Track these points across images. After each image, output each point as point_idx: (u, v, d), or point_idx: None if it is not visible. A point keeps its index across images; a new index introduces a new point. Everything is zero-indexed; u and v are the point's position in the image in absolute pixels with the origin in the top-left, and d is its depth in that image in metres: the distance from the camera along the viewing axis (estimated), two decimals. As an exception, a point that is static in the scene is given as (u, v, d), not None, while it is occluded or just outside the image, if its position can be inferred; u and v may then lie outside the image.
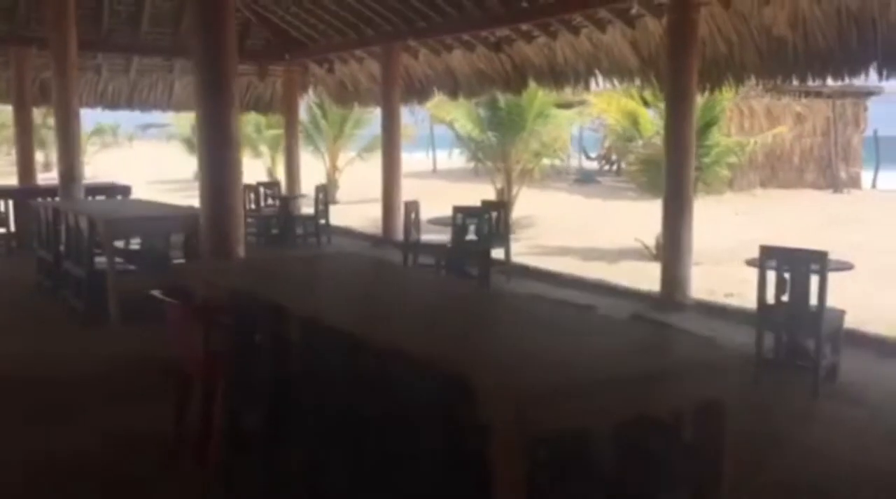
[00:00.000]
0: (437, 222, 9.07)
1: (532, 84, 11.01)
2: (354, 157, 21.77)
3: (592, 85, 10.33)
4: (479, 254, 8.79)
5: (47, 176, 15.19)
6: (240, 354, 3.56)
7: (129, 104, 14.48)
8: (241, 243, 5.36)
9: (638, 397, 2.41)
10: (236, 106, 5.38)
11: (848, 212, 16.91)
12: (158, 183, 29.08)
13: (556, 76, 10.49)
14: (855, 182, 21.84)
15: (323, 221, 12.44)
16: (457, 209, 8.59)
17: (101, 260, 6.97)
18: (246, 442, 3.57)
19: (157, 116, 29.91)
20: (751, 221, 15.53)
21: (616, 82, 9.91)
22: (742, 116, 19.92)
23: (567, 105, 15.27)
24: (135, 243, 8.23)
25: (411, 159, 35.84)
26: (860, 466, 4.35)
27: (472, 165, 15.55)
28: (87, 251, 6.92)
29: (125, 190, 11.38)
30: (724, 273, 9.84)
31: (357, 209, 17.36)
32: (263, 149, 24.38)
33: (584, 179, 22.06)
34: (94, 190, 10.77)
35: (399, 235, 10.71)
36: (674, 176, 7.77)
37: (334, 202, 20.98)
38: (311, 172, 22.29)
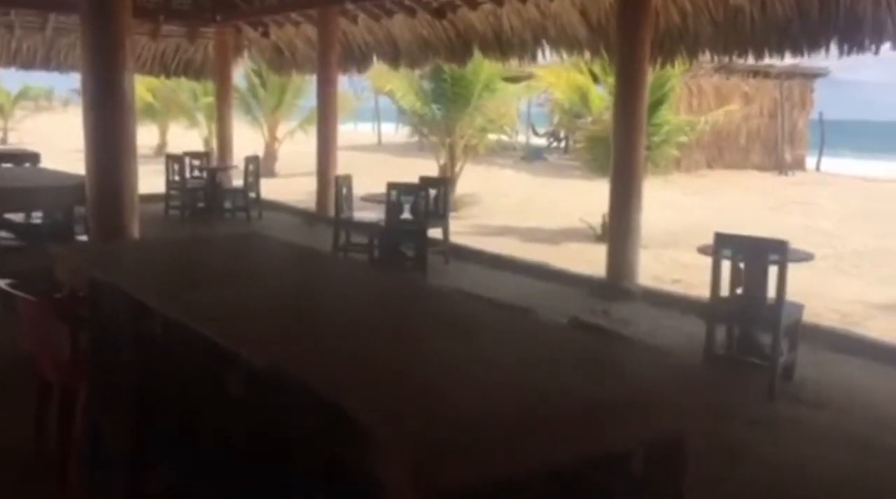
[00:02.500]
0: (371, 199, 8.44)
1: (477, 54, 10.40)
2: (295, 127, 20.89)
3: (540, 57, 9.79)
4: (414, 234, 8.22)
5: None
6: (100, 359, 2.92)
7: (46, 65, 13.41)
8: (135, 221, 4.67)
9: (579, 436, 1.87)
10: (131, 67, 4.65)
11: (794, 194, 16.78)
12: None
13: (502, 46, 9.90)
14: (799, 164, 21.84)
15: (253, 195, 11.69)
16: (391, 186, 7.98)
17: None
18: (108, 461, 2.96)
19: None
20: (698, 203, 15.25)
21: (564, 54, 9.37)
22: (691, 95, 19.65)
23: (515, 79, 14.68)
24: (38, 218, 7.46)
25: (356, 132, 35.13)
26: (826, 478, 3.93)
27: (415, 138, 14.85)
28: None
29: (34, 157, 10.46)
30: (671, 257, 9.45)
31: (296, 183, 16.57)
32: (200, 118, 23.28)
33: (531, 157, 21.59)
34: (-2, 157, 9.85)
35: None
36: (623, 155, 7.27)
37: (273, 175, 20.16)
38: (249, 143, 21.43)
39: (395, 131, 27.91)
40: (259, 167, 11.78)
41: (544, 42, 9.42)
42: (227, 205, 11.62)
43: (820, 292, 7.58)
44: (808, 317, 6.48)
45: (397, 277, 3.69)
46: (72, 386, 3.12)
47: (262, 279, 3.08)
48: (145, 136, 29.30)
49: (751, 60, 7.73)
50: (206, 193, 11.57)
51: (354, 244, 8.59)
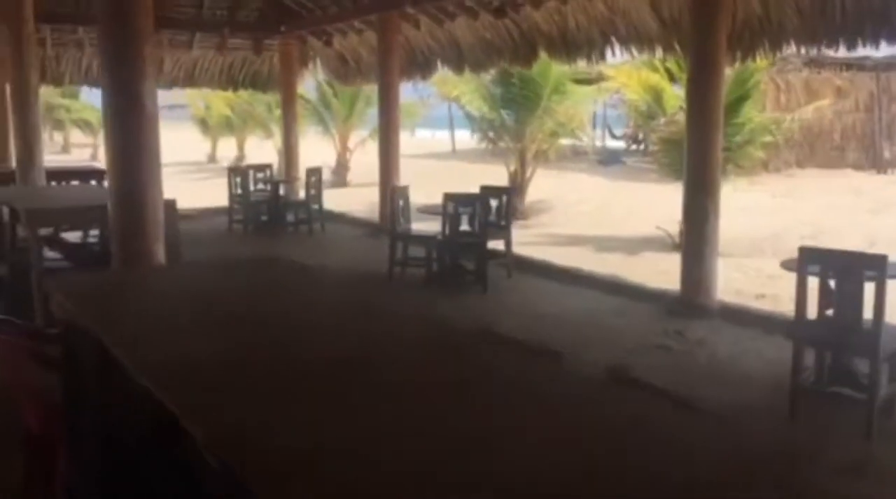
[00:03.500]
0: (428, 211, 8.02)
1: (543, 55, 9.88)
2: (367, 137, 20.75)
3: (609, 55, 9.19)
4: (474, 246, 7.77)
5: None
6: (69, 408, 2.57)
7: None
8: (159, 244, 4.36)
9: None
10: (152, 77, 4.36)
11: (894, 194, 15.56)
12: (170, 165, 28.54)
13: (568, 46, 9.35)
14: (900, 162, 20.36)
15: (316, 207, 11.45)
16: (448, 196, 7.55)
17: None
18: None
19: (181, 96, 29.09)
20: (787, 206, 14.27)
21: (635, 51, 8.75)
22: (778, 91, 18.57)
23: (585, 81, 14.06)
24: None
25: (434, 139, 34.89)
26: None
27: (483, 145, 14.40)
28: (9, 245, 6.00)
29: (100, 174, 10.45)
30: (756, 268, 8.69)
31: (366, 193, 16.36)
32: (275, 129, 23.43)
33: (608, 160, 20.81)
34: (63, 174, 9.85)
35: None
36: (697, 158, 6.64)
37: (345, 185, 20.08)
38: (321, 154, 21.41)
39: (470, 138, 27.47)
40: (321, 179, 11.53)
41: (613, 39, 8.83)
42: (290, 217, 11.41)
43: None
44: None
45: (418, 318, 3.12)
46: (49, 439, 2.78)
47: (255, 325, 2.64)
48: (225, 148, 30.07)
49: (842, 51, 6.93)
50: (268, 206, 11.39)
51: (412, 258, 8.20)
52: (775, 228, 11.60)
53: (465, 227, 7.85)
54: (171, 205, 6.08)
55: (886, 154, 20.03)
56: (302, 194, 12.00)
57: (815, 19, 6.74)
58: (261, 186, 11.82)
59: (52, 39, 12.14)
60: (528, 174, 13.85)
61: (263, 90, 14.81)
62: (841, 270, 4.25)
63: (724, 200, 11.15)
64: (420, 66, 11.78)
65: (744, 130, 10.01)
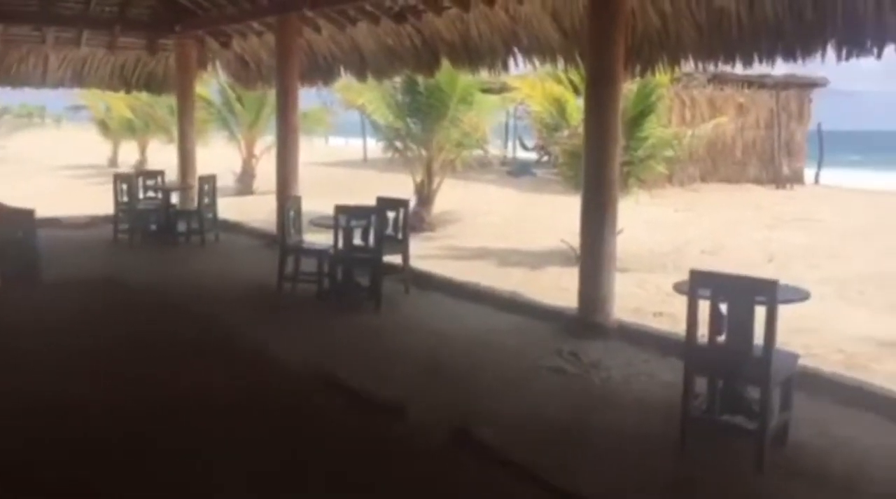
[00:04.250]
0: (321, 223, 7.58)
1: (445, 64, 9.60)
2: (273, 143, 20.10)
3: (512, 66, 8.98)
4: (368, 261, 7.41)
5: None
6: None
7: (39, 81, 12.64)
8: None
9: None
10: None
11: (792, 209, 15.95)
12: (68, 168, 27.09)
13: (470, 54, 9.10)
14: (798, 177, 21.02)
15: (210, 216, 10.88)
16: (339, 209, 7.16)
17: None
18: None
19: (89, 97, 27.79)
20: (690, 220, 14.43)
21: (537, 62, 8.56)
22: (684, 107, 18.90)
23: (492, 91, 13.90)
24: None
25: (347, 147, 34.34)
26: None
27: (389, 154, 14.05)
28: None
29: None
30: (656, 285, 8.59)
31: (272, 201, 15.80)
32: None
33: (518, 171, 20.77)
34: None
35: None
36: (594, 173, 6.45)
37: (251, 193, 19.40)
38: (227, 159, 20.66)
39: (375, 146, 27.10)
40: (215, 187, 10.96)
41: (515, 50, 8.63)
42: (181, 228, 10.80)
43: (820, 326, 6.74)
44: (807, 358, 5.67)
45: (249, 361, 2.72)
46: None
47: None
48: (128, 152, 28.88)
49: (740, 68, 6.87)
50: (157, 215, 10.75)
51: (305, 273, 7.77)
52: (677, 242, 11.64)
53: (361, 241, 7.49)
54: (26, 215, 5.53)
55: (786, 169, 20.65)
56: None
57: (712, 34, 6.66)
58: (151, 193, 11.17)
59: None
60: (434, 185, 13.58)
61: (158, 92, 14.09)
62: (731, 294, 4.07)
63: (627, 214, 11.14)
64: (322, 72, 11.36)
65: (646, 144, 9.96)
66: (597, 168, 6.42)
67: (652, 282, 8.79)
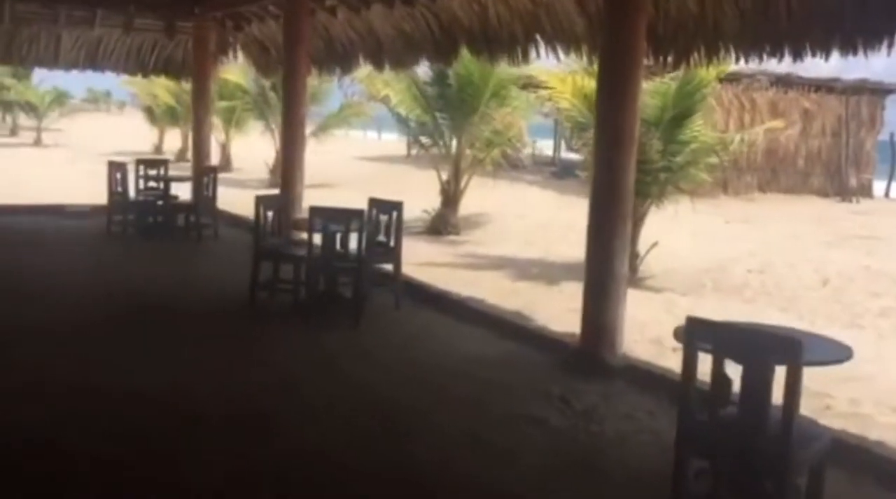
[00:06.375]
0: (303, 226, 6.73)
1: (464, 52, 8.69)
2: (309, 135, 19.42)
3: (534, 56, 8.01)
4: (351, 271, 6.55)
5: None
6: None
7: (9, 58, 12.21)
8: None
9: None
10: None
11: (857, 225, 14.55)
12: (115, 155, 26.93)
13: (489, 42, 8.16)
14: (866, 190, 19.49)
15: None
16: (314, 211, 6.29)
17: None
18: None
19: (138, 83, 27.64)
20: (742, 233, 13.21)
21: (560, 52, 7.57)
22: (743, 110, 17.60)
23: (534, 86, 12.89)
24: None
25: (379, 142, 33.69)
26: None
27: (414, 150, 13.20)
28: None
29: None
30: (687, 309, 7.45)
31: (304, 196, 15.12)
32: (216, 122, 22.06)
33: (562, 173, 19.68)
34: None
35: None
36: (605, 183, 5.43)
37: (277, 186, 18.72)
38: (264, 150, 20.08)
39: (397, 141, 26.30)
40: (216, 179, 10.22)
41: (538, 37, 7.66)
42: (180, 221, 10.09)
43: (876, 374, 5.60)
44: (852, 419, 4.62)
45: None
46: None
47: None
48: (174, 140, 28.70)
49: (787, 61, 5.77)
50: (155, 207, 10.06)
51: (283, 280, 6.93)
52: (722, 258, 10.47)
53: (345, 247, 6.62)
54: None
55: (853, 181, 19.13)
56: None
57: (756, 21, 5.58)
58: (153, 184, 10.50)
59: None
60: (462, 184, 12.64)
61: (177, 77, 13.51)
62: (741, 353, 3.06)
63: (668, 224, 10.11)
64: (339, 59, 10.54)
65: (687, 149, 8.85)
66: (609, 177, 5.41)
67: (682, 306, 7.68)
